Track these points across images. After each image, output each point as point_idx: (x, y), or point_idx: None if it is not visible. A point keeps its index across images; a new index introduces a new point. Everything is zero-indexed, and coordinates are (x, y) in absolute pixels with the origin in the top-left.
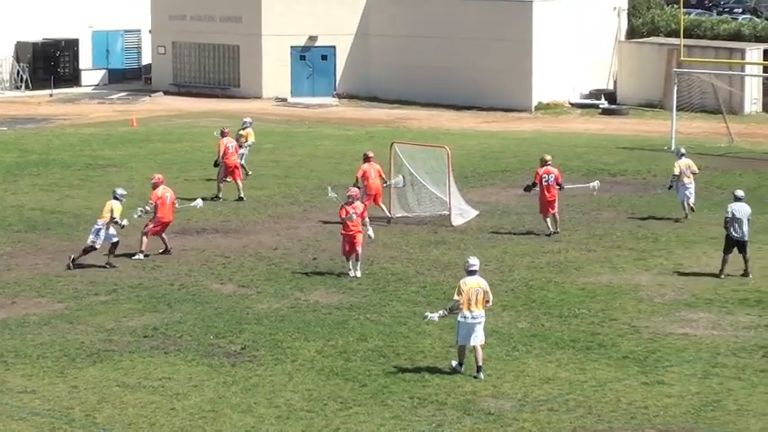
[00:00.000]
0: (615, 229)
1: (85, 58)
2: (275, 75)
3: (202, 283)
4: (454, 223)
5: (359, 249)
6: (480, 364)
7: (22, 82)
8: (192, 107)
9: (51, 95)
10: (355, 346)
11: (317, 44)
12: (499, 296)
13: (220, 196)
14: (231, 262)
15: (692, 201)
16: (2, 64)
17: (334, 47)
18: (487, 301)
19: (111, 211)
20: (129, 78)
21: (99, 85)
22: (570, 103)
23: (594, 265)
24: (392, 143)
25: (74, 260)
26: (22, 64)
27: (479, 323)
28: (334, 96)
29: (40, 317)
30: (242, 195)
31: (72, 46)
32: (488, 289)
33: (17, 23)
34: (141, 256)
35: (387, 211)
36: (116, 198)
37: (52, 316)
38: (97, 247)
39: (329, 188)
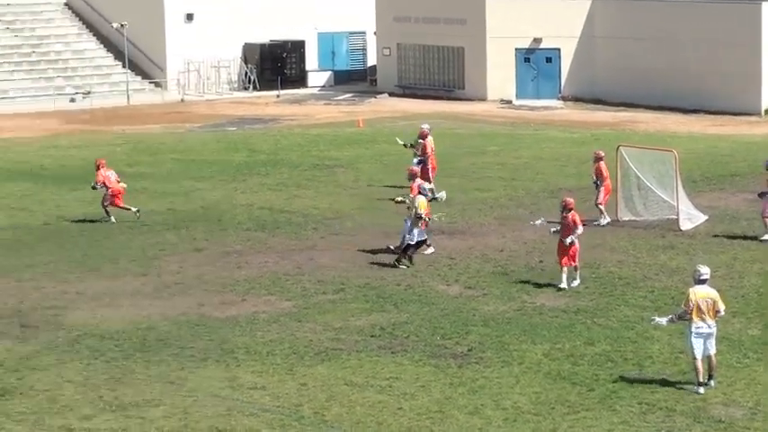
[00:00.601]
0: None
1: (311, 60)
2: (500, 77)
3: (428, 284)
4: (683, 228)
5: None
6: (713, 372)
7: (249, 83)
8: (416, 109)
9: (278, 96)
10: (582, 350)
11: (541, 46)
12: (729, 303)
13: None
14: (457, 263)
15: None
16: (230, 65)
17: (558, 49)
18: (718, 312)
19: (417, 207)
20: (355, 80)
21: (325, 87)
22: None
23: None
24: (618, 146)
25: (397, 260)
26: (249, 65)
27: (712, 333)
28: (558, 99)
29: (270, 314)
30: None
31: (298, 47)
32: (719, 299)
33: (245, 26)
34: (431, 250)
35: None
36: (421, 193)
37: (281, 314)
38: (412, 242)
39: (540, 220)
